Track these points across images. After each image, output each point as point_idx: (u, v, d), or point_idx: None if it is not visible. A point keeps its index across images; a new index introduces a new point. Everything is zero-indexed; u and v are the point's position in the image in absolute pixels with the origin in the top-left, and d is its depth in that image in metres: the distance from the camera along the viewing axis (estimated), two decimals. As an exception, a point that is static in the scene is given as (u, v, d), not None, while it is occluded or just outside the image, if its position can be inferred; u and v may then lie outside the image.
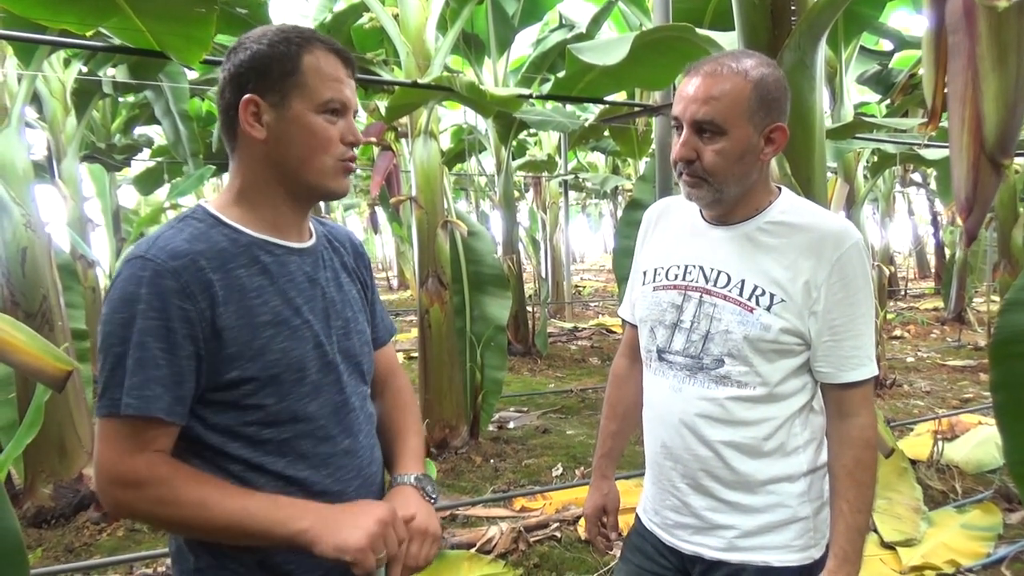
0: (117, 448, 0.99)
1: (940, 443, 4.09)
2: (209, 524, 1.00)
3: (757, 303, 1.26)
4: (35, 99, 4.96)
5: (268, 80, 1.06)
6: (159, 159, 8.29)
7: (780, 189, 1.35)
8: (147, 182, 8.57)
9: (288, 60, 1.06)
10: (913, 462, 3.81)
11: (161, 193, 9.50)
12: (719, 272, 1.31)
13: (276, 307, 1.07)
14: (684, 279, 1.35)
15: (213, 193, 12.44)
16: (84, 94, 5.35)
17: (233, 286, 1.04)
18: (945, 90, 1.34)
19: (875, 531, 3.17)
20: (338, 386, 1.14)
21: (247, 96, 1.06)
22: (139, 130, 7.90)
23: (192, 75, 6.22)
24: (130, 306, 0.98)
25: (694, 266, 1.34)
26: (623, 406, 1.60)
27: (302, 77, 1.06)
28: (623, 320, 1.60)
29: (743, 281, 1.28)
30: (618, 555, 1.55)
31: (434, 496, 1.20)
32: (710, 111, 1.21)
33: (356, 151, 1.14)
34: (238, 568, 1.07)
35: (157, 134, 8.42)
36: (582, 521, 3.42)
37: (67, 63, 4.97)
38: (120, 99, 7.11)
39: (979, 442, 4.27)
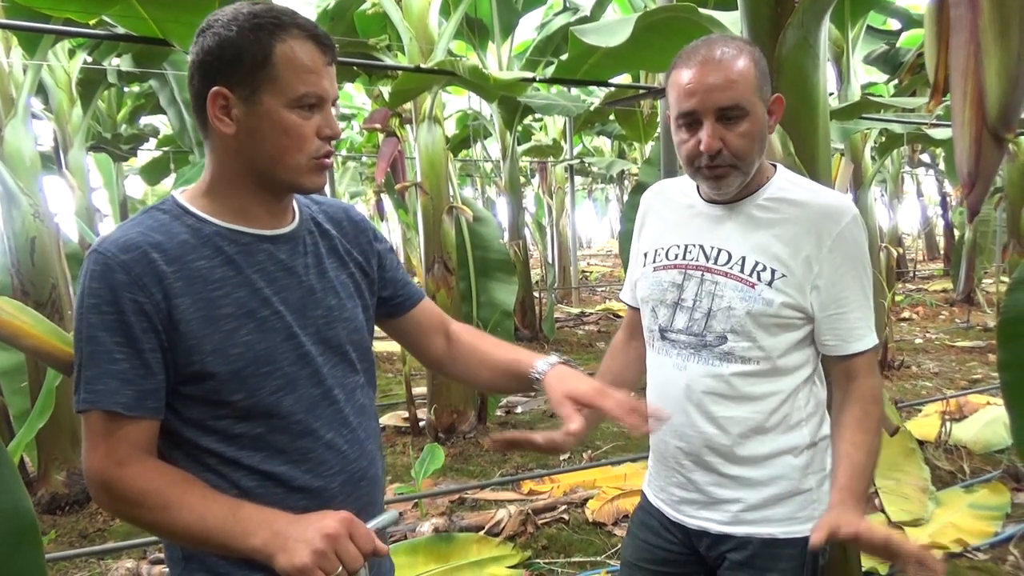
0: (90, 444, 0.98)
1: (948, 423, 4.08)
2: (172, 531, 0.99)
3: (759, 279, 1.27)
4: (41, 90, 4.97)
5: (237, 72, 0.99)
6: (165, 148, 8.31)
7: (776, 167, 1.36)
8: (153, 172, 8.62)
9: (259, 50, 0.98)
10: (921, 443, 3.80)
11: (167, 182, 9.54)
12: (720, 250, 1.32)
13: (240, 299, 1.03)
14: (684, 258, 1.36)
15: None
16: (89, 84, 5.36)
17: (192, 278, 1.00)
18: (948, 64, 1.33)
19: (882, 511, 3.18)
20: (316, 379, 1.09)
21: (215, 89, 1.00)
22: (145, 120, 7.91)
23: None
24: (86, 301, 0.97)
25: (694, 245, 1.35)
26: (611, 375, 1.53)
27: (274, 70, 0.99)
28: (625, 303, 1.60)
29: (744, 258, 1.29)
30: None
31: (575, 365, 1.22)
32: (735, 95, 1.21)
33: (334, 144, 1.08)
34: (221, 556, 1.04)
35: (163, 123, 8.43)
36: (590, 503, 3.46)
37: (72, 53, 4.98)
38: (125, 89, 7.11)
39: (987, 422, 4.27)
